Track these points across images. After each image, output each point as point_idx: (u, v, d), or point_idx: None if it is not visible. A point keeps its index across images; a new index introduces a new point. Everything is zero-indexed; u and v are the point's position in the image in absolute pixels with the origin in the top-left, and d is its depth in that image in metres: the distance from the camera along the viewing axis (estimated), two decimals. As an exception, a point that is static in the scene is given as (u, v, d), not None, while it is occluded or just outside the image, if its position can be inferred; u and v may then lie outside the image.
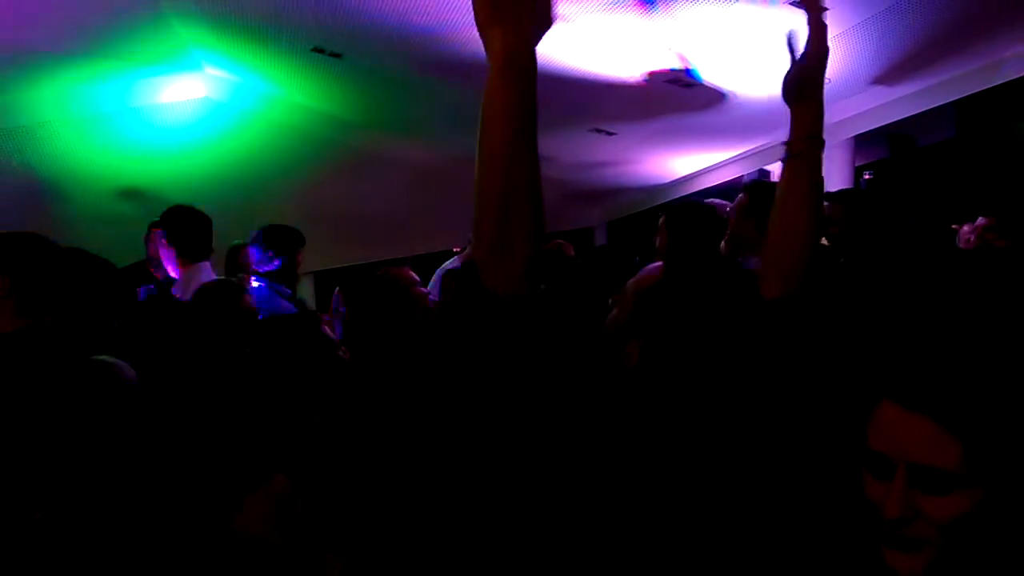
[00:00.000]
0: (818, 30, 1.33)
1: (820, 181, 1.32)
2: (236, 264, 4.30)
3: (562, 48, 4.23)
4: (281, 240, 3.52)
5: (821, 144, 1.33)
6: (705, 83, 4.55)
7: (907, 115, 4.88)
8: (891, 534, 0.87)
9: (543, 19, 1.05)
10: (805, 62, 1.33)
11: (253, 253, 3.58)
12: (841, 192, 3.35)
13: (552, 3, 1.06)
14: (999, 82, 4.24)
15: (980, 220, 3.67)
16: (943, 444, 0.84)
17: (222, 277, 3.37)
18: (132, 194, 5.96)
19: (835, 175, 5.62)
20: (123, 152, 5.96)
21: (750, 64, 4.36)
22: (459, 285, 2.43)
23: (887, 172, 6.34)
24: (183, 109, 5.81)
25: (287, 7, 4.14)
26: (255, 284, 3.48)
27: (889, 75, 4.50)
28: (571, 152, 6.65)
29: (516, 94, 1.00)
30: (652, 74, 4.46)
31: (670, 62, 4.25)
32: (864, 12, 3.66)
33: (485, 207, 0.98)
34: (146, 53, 4.98)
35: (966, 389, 0.85)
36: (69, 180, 5.84)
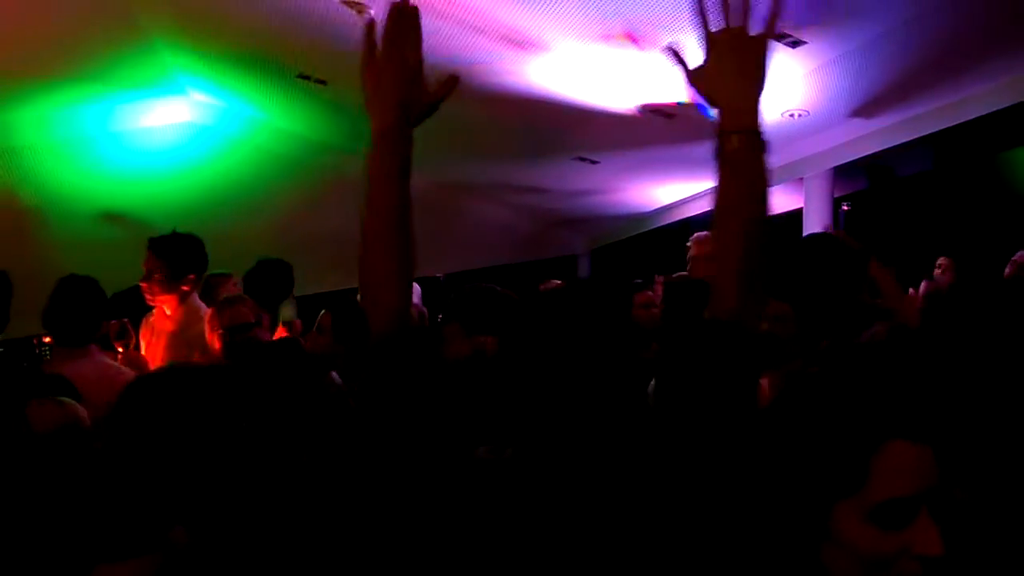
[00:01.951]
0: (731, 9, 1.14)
1: (760, 189, 1.11)
2: (213, 297, 4.23)
3: (547, 76, 4.28)
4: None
5: (760, 143, 1.11)
6: (699, 111, 4.62)
7: (885, 147, 4.96)
8: None
9: (420, 104, 1.22)
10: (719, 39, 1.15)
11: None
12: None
13: (431, 93, 1.23)
14: (974, 116, 4.33)
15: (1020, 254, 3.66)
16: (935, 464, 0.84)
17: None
18: (114, 218, 5.92)
19: (814, 206, 5.69)
20: (106, 175, 5.93)
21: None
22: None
23: (865, 203, 6.43)
24: (167, 133, 5.81)
25: (274, 34, 4.17)
26: None
27: (867, 108, 4.58)
28: (554, 180, 6.70)
29: (389, 162, 1.20)
30: (647, 107, 4.52)
31: (674, 95, 4.32)
32: (843, 46, 3.74)
33: (365, 254, 1.19)
34: (131, 77, 4.99)
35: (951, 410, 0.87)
36: (51, 203, 5.80)
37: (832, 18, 3.44)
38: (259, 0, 3.80)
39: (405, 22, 1.20)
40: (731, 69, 1.14)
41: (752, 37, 1.14)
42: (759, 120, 1.13)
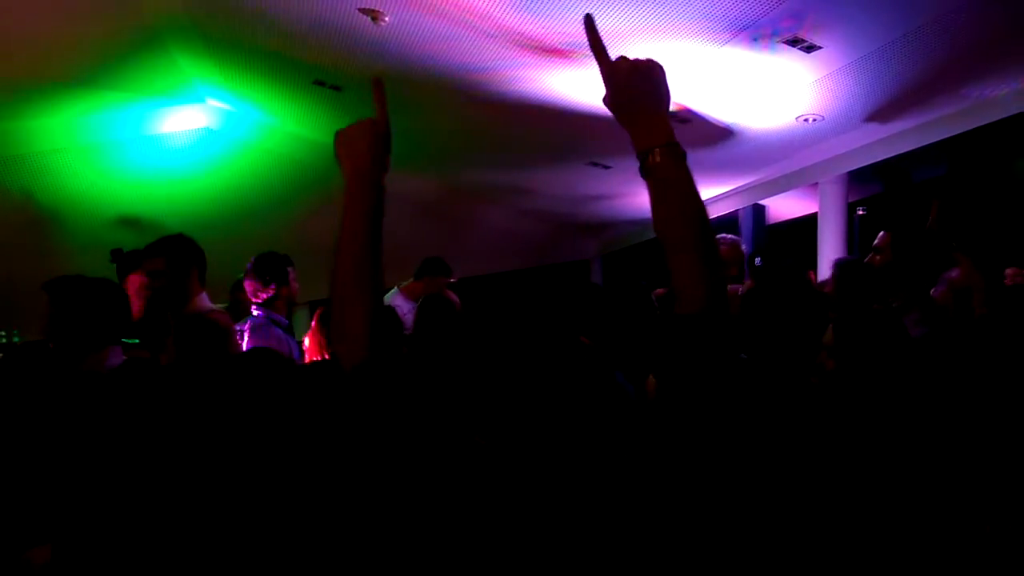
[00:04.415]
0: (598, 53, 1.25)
1: (688, 192, 1.20)
2: (238, 298, 4.28)
3: (562, 83, 4.29)
4: (271, 266, 3.54)
5: (678, 154, 1.21)
6: (710, 119, 4.61)
7: (899, 152, 4.93)
8: None
9: (383, 159, 1.38)
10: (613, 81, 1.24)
11: (248, 284, 3.59)
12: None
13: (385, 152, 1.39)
14: (990, 121, 4.30)
15: None
16: None
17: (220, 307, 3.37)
18: (131, 222, 5.98)
19: (829, 211, 5.67)
20: (122, 181, 6.00)
21: (747, 99, 4.42)
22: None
23: (880, 208, 6.39)
24: (184, 139, 5.87)
25: (291, 41, 4.21)
26: (255, 312, 3.51)
27: (882, 112, 4.57)
28: (566, 185, 6.70)
29: (360, 208, 1.34)
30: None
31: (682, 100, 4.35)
32: (858, 51, 3.73)
33: (333, 296, 1.29)
34: (149, 85, 5.04)
35: None
36: (68, 207, 5.87)
37: (847, 23, 3.44)
38: (277, 7, 3.83)
39: (377, 91, 1.40)
40: (632, 95, 1.24)
41: (639, 62, 1.23)
42: (671, 133, 1.23)
